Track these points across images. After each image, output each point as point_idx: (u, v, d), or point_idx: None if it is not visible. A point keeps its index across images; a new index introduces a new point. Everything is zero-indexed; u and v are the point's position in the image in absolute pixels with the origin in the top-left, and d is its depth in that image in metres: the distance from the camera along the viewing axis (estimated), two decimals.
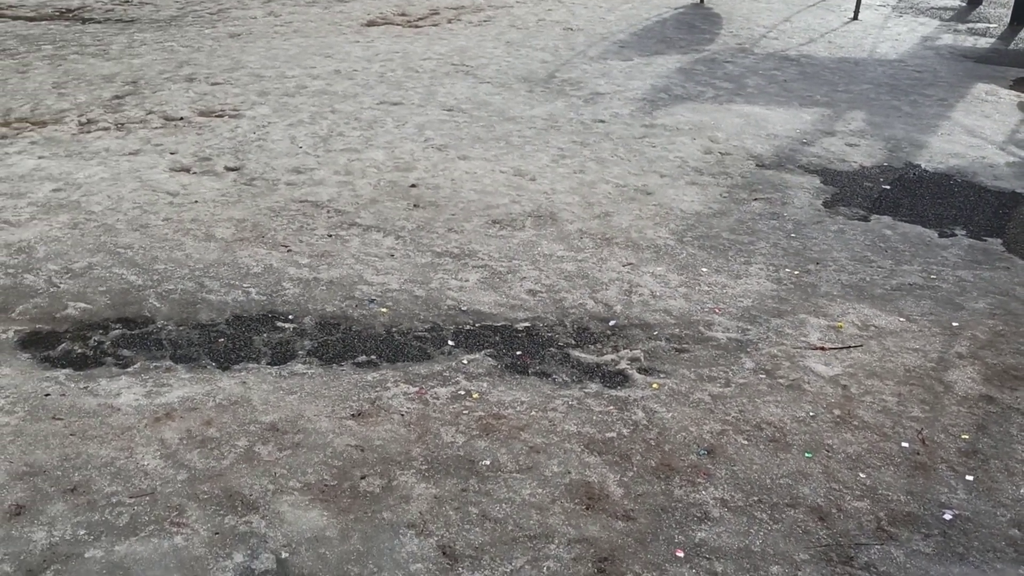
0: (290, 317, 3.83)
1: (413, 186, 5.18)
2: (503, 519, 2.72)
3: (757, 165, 5.68)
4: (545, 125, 6.30)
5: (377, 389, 3.35)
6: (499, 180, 5.31)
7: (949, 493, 2.86)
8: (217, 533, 2.64)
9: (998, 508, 2.80)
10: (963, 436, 3.12)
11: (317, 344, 3.64)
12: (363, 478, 2.88)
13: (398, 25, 9.30)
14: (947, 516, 2.75)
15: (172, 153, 5.62)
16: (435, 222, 4.74)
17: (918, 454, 3.03)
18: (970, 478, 2.92)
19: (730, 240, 4.64)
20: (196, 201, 4.93)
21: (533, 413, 3.23)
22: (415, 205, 4.94)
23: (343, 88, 7.01)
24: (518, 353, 3.62)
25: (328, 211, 4.84)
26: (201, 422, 3.13)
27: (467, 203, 4.98)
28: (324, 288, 4.06)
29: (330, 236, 4.56)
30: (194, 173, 5.33)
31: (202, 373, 3.43)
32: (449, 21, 9.50)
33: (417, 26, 9.27)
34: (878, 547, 2.63)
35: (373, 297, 4.00)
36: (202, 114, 6.35)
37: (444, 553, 2.59)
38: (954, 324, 3.84)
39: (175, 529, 2.65)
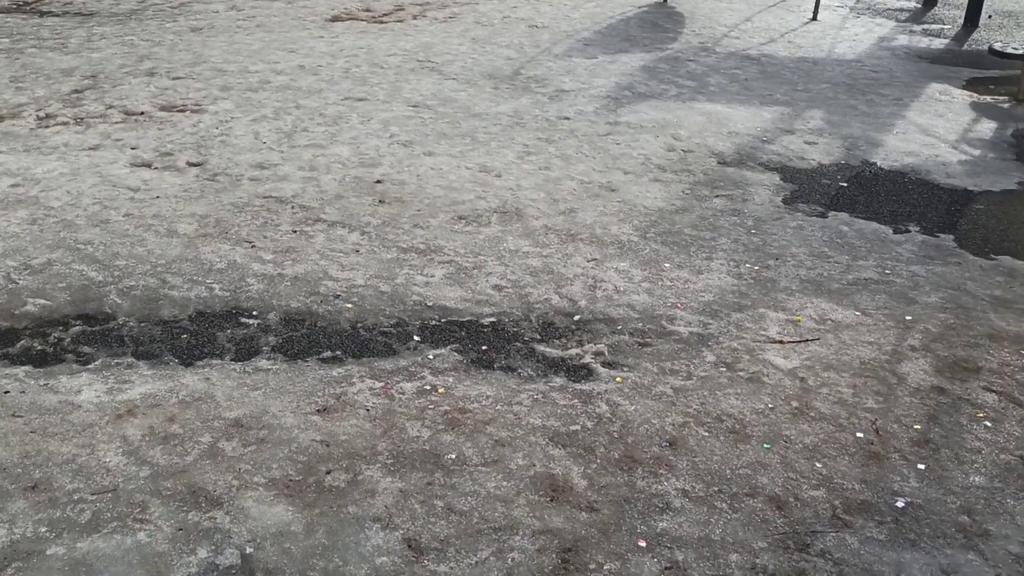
0: (254, 313, 3.82)
1: (379, 182, 5.19)
2: (468, 512, 2.75)
3: (719, 162, 5.76)
4: (511, 122, 6.33)
5: (342, 385, 3.36)
6: (465, 176, 5.33)
7: (902, 481, 2.94)
8: (181, 529, 2.63)
9: (948, 496, 2.88)
10: (915, 426, 3.21)
11: (282, 340, 3.64)
12: (328, 473, 2.89)
13: (363, 21, 9.27)
14: (900, 504, 2.83)
15: (133, 148, 5.57)
16: (401, 218, 4.75)
17: (872, 444, 3.11)
18: (922, 467, 3.00)
19: (692, 236, 4.70)
20: (158, 197, 4.89)
21: (498, 407, 3.26)
22: (380, 201, 4.94)
23: (307, 83, 6.98)
24: (484, 348, 3.65)
25: (292, 207, 4.83)
26: (164, 418, 3.12)
27: (433, 199, 4.99)
28: (289, 284, 4.05)
29: (295, 232, 4.55)
30: (155, 168, 5.28)
31: (165, 369, 3.42)
32: (414, 17, 9.49)
33: (382, 22, 9.25)
34: (833, 534, 2.70)
35: (338, 293, 4.00)
36: (163, 109, 6.29)
37: (410, 546, 2.61)
38: (907, 318, 3.94)
39: (138, 526, 2.64)
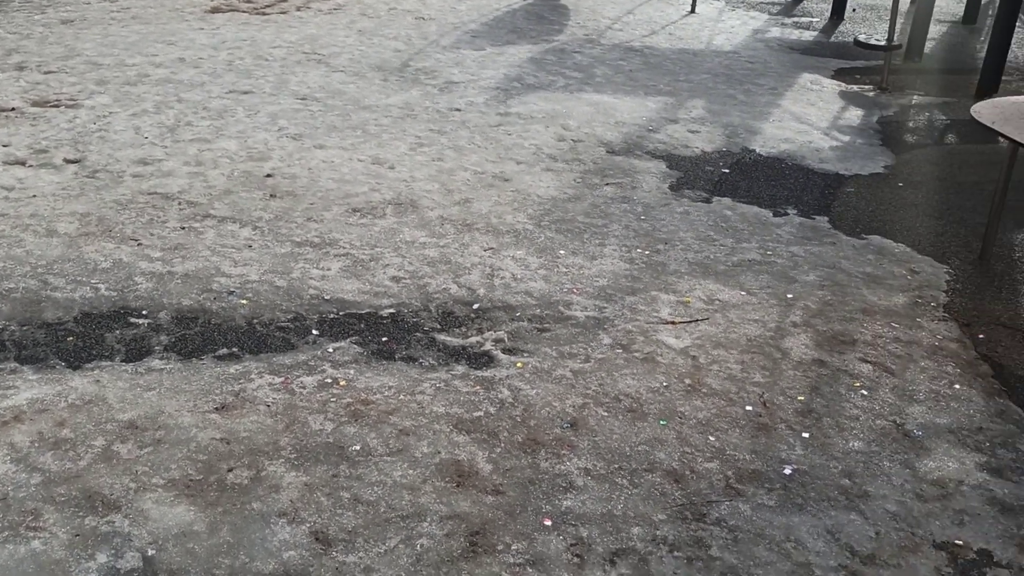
0: (144, 312, 3.71)
1: (269, 176, 5.10)
2: (375, 501, 2.76)
3: (608, 152, 5.90)
4: (401, 114, 6.32)
5: (240, 381, 3.31)
6: (357, 169, 5.29)
7: (788, 450, 3.10)
8: (78, 535, 2.55)
9: (831, 461, 3.06)
10: (799, 398, 3.39)
11: (175, 339, 3.55)
12: (230, 471, 2.85)
13: (244, 12, 9.05)
14: (787, 471, 3.00)
15: (4, 146, 5.30)
16: (293, 212, 4.69)
17: (760, 416, 3.28)
18: (806, 435, 3.18)
19: (585, 223, 4.81)
20: (34, 195, 4.68)
21: (401, 397, 3.28)
22: (272, 195, 4.86)
23: (189, 76, 6.78)
24: (384, 339, 3.65)
25: (179, 203, 4.70)
26: (53, 423, 3.01)
27: (325, 192, 4.94)
28: (179, 282, 3.95)
29: (183, 228, 4.43)
30: (30, 166, 5.04)
31: (51, 374, 3.29)
32: (298, 9, 9.32)
33: (264, 13, 9.04)
34: (727, 503, 2.84)
35: (232, 289, 3.93)
36: (36, 104, 6.00)
37: (317, 539, 2.61)
38: (789, 296, 4.14)
39: (32, 533, 2.54)
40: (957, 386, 3.52)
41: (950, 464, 3.08)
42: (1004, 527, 2.80)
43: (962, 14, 10.78)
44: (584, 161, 5.71)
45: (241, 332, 3.62)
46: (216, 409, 3.14)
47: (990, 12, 10.73)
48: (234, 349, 3.51)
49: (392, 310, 3.87)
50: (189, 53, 7.38)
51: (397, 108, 6.42)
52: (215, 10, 9.04)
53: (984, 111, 3.73)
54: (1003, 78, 7.75)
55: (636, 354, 3.63)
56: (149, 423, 3.04)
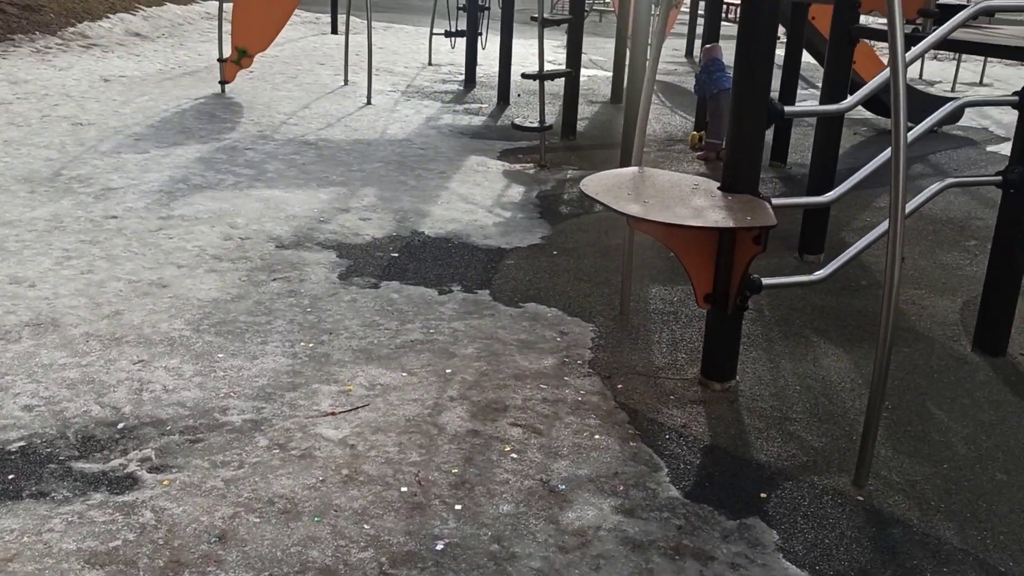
0: None
1: None
2: None
3: (277, 246, 5.85)
4: (48, 227, 5.88)
5: None
6: None
7: (441, 525, 3.17)
8: None
9: (481, 529, 3.16)
10: (453, 470, 3.49)
11: None
12: None
13: None
14: (439, 547, 3.05)
15: None
16: None
17: (416, 495, 3.32)
18: (459, 507, 3.27)
19: (247, 323, 4.71)
20: None
21: (25, 539, 2.97)
22: None
23: None
24: (11, 477, 3.31)
25: None
26: None
27: None
28: None
29: None
30: None
31: None
32: None
33: None
34: None
35: None
36: None
37: None
38: (448, 371, 4.29)
39: None
40: (597, 436, 3.80)
41: (589, 512, 3.30)
42: (635, 564, 3.02)
43: (610, 95, 12.03)
44: (251, 258, 5.61)
45: None
46: None
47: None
48: None
49: (22, 443, 3.52)
50: None
51: (44, 221, 5.97)
52: None
53: (590, 184, 4.14)
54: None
55: (293, 452, 3.57)
56: None
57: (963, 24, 4.28)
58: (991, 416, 4.15)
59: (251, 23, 10.37)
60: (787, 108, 4.08)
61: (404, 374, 4.25)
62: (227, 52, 10.55)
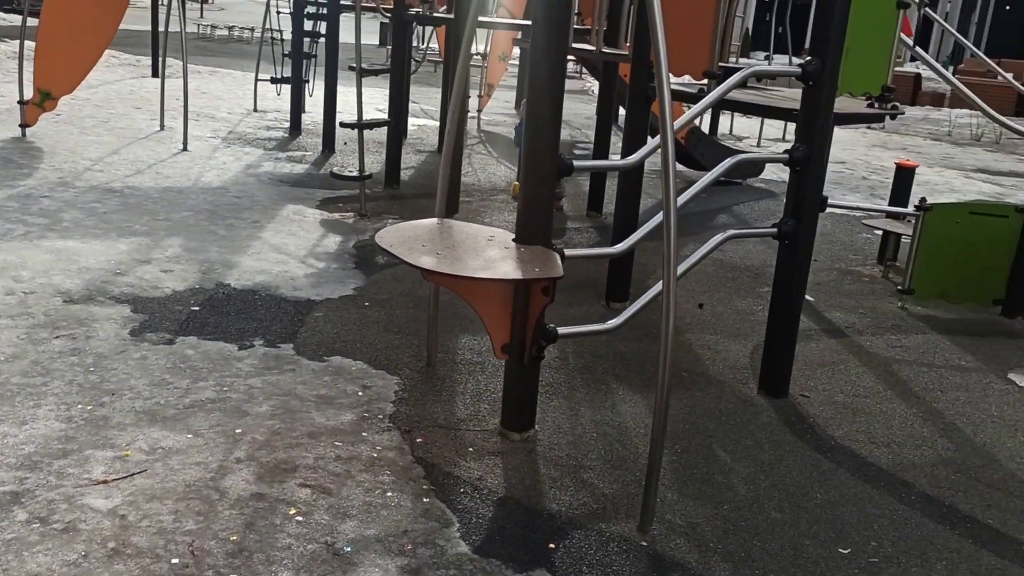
0: None
1: None
2: None
3: (64, 301, 5.48)
4: None
5: None
6: None
7: None
8: None
9: None
10: (232, 538, 3.32)
11: None
12: None
13: None
14: None
15: None
16: None
17: (187, 567, 3.13)
18: None
19: (20, 385, 4.36)
20: None
21: None
22: None
23: None
24: None
25: None
26: None
27: None
28: None
29: None
30: None
31: None
32: None
33: None
34: None
35: None
36: None
37: None
38: (238, 431, 4.11)
39: None
40: (390, 493, 3.72)
41: (374, 574, 3.20)
42: None
43: (437, 144, 12.14)
44: (34, 315, 5.23)
45: None
46: None
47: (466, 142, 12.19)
48: None
49: None
50: None
51: None
52: None
53: (386, 236, 4.11)
54: (462, 199, 8.79)
55: (55, 526, 3.30)
56: None
57: (739, 86, 4.58)
58: (770, 456, 4.37)
59: (56, 63, 9.81)
60: (576, 163, 4.21)
61: (189, 436, 4.03)
62: (28, 94, 9.94)
